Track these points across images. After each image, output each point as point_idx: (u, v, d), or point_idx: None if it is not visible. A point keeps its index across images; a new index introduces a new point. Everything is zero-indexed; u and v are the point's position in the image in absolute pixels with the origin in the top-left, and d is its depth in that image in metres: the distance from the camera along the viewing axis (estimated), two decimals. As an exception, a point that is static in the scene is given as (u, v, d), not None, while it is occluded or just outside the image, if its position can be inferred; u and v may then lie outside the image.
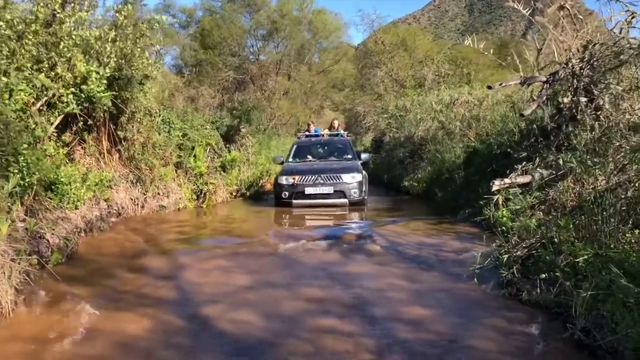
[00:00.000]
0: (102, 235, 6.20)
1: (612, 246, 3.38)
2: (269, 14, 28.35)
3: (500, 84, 6.89)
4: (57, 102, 6.34)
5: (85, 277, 4.44)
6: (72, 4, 6.61)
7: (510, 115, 8.51)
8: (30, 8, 6.23)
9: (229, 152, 11.29)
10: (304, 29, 29.39)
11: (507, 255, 4.12)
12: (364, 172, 9.49)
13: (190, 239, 6.43)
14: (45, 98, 6.13)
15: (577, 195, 4.76)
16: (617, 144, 4.79)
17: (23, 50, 5.74)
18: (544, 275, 3.62)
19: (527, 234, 4.33)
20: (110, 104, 6.97)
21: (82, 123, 7.13)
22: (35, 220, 4.88)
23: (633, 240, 3.43)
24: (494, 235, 4.85)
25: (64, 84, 6.32)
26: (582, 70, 6.01)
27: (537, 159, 6.00)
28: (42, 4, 6.14)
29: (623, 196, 3.84)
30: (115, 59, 7.06)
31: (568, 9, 6.33)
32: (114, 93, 7.12)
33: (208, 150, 10.58)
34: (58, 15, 6.31)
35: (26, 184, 4.89)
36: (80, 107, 6.62)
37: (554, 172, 5.55)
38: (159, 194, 8.45)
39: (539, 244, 4.05)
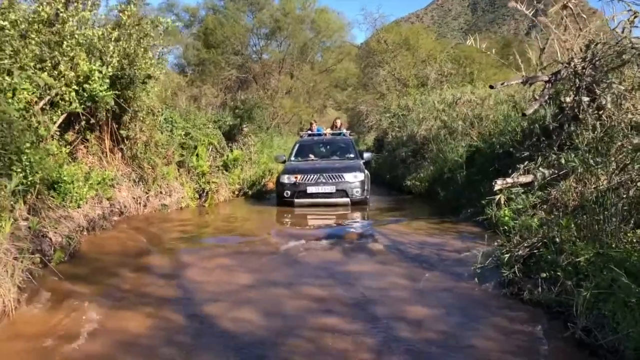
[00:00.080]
0: (104, 233, 6.22)
1: (613, 246, 3.38)
2: (272, 13, 28.35)
3: (503, 84, 6.87)
4: (60, 101, 6.35)
5: (87, 275, 4.46)
6: (76, 4, 6.62)
7: (512, 114, 8.50)
8: (34, 7, 6.25)
9: (232, 151, 11.29)
10: (307, 27, 29.36)
11: (508, 255, 4.12)
12: (366, 171, 9.47)
13: (192, 238, 6.44)
14: (48, 97, 6.14)
15: (579, 194, 4.76)
16: (619, 143, 4.80)
17: (26, 50, 5.76)
18: (545, 275, 3.62)
19: (529, 234, 4.33)
20: (112, 103, 6.98)
21: (84, 122, 7.16)
22: (38, 219, 4.90)
23: (634, 240, 3.43)
24: (496, 234, 4.84)
25: (66, 82, 6.34)
26: (584, 70, 5.99)
27: (539, 158, 5.99)
28: (45, 3, 6.16)
29: (625, 196, 3.84)
30: (117, 59, 7.08)
31: (571, 8, 6.31)
32: (117, 92, 7.13)
33: (210, 149, 10.58)
34: (61, 14, 6.32)
35: (29, 183, 4.90)
36: (83, 106, 6.63)
37: (556, 171, 5.55)
38: (161, 192, 8.45)
39: (540, 243, 4.05)
